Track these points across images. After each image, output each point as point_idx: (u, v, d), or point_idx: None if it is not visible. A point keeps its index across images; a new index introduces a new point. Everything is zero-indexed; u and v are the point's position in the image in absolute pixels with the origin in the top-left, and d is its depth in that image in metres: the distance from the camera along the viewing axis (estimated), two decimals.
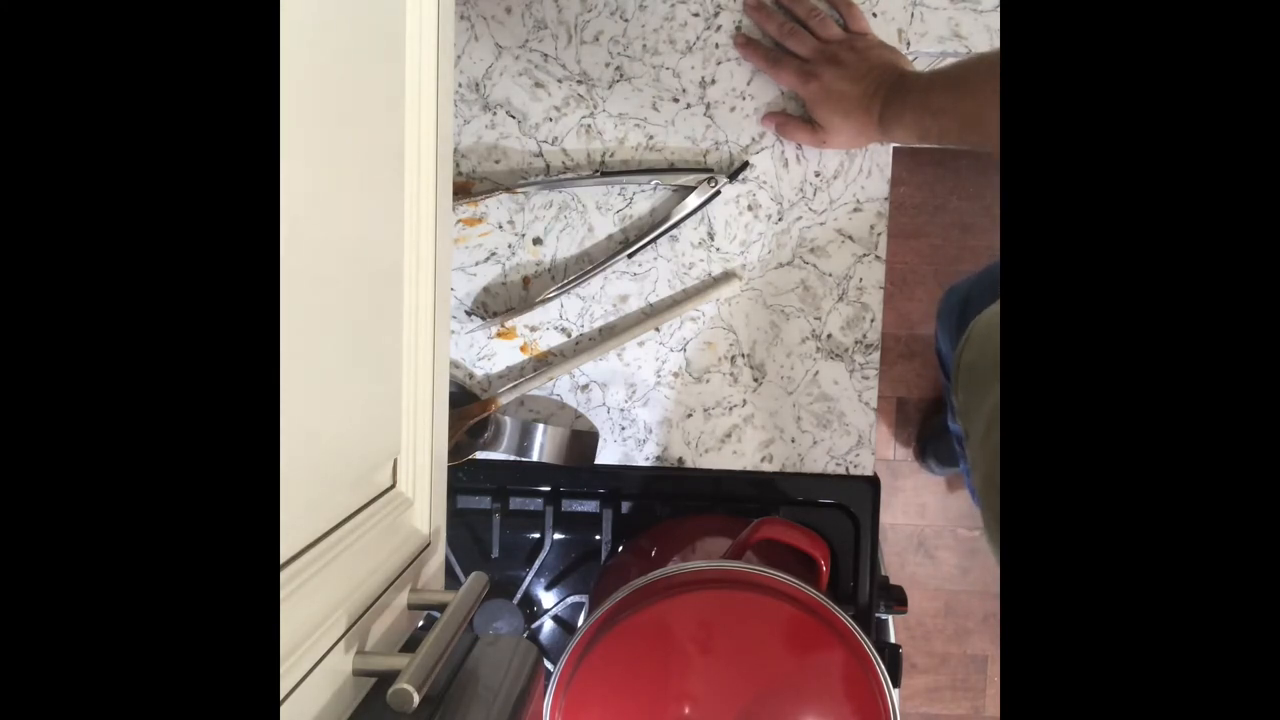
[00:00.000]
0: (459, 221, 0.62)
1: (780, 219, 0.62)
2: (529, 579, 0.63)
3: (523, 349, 0.63)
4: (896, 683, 0.58)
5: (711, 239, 0.62)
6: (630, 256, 0.61)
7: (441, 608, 0.35)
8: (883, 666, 0.48)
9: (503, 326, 0.63)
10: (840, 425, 0.63)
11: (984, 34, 0.60)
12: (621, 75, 0.61)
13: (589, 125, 0.62)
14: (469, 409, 0.61)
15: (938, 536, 1.45)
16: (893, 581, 0.64)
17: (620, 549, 0.63)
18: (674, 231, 0.61)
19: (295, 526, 0.28)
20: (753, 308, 0.63)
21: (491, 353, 0.63)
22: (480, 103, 0.62)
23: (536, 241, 0.63)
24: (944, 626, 1.45)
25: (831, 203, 0.62)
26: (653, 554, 0.59)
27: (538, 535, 0.64)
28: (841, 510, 0.63)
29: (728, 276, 0.62)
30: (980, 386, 0.57)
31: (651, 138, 0.62)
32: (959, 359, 0.62)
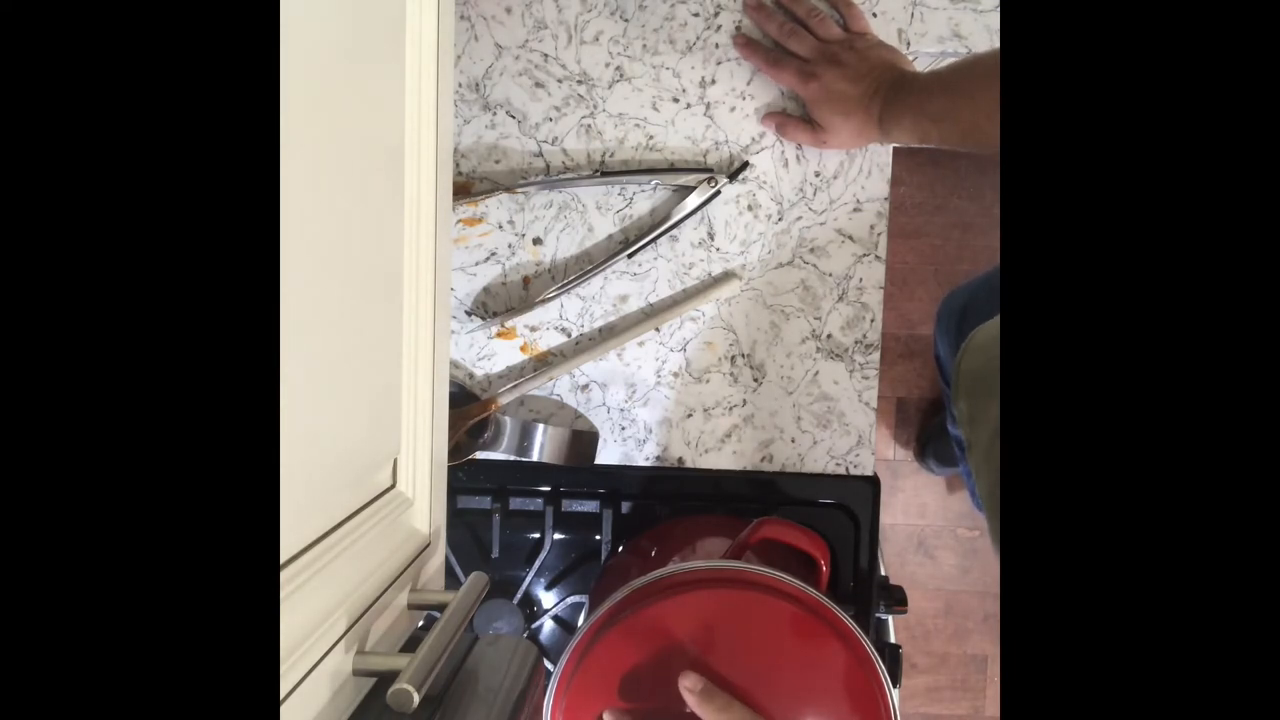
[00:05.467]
0: (459, 221, 0.62)
1: (780, 219, 0.62)
2: (529, 579, 0.63)
3: (523, 349, 0.63)
4: (896, 683, 0.58)
5: (711, 239, 0.62)
6: (630, 256, 0.61)
7: (441, 608, 0.35)
8: (883, 666, 0.48)
9: (503, 326, 0.63)
10: (840, 425, 0.63)
11: (984, 34, 0.60)
12: (621, 75, 0.61)
13: (589, 125, 0.62)
14: (469, 409, 0.61)
15: (938, 536, 1.45)
16: (893, 581, 0.64)
17: (620, 549, 0.63)
18: (674, 231, 0.61)
19: (295, 526, 0.28)
20: (753, 308, 0.63)
21: (491, 353, 0.63)
22: (480, 103, 0.62)
23: (536, 241, 0.63)
24: (944, 626, 1.45)
25: (831, 203, 0.62)
26: (653, 554, 0.59)
27: (538, 535, 0.64)
28: (841, 510, 0.63)
29: (728, 276, 0.62)
30: (984, 395, 0.57)
31: (651, 138, 0.62)
32: (959, 365, 0.62)
